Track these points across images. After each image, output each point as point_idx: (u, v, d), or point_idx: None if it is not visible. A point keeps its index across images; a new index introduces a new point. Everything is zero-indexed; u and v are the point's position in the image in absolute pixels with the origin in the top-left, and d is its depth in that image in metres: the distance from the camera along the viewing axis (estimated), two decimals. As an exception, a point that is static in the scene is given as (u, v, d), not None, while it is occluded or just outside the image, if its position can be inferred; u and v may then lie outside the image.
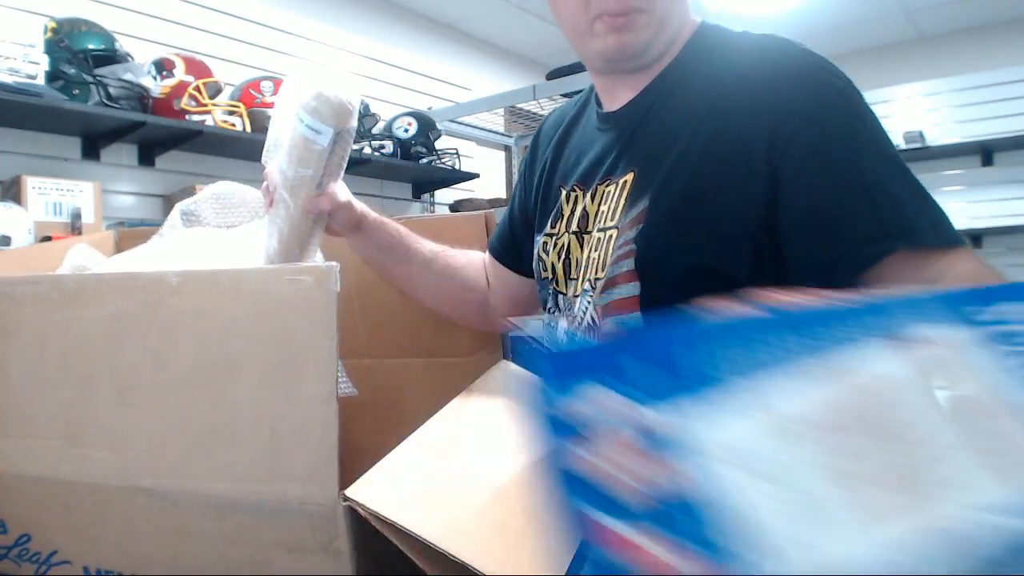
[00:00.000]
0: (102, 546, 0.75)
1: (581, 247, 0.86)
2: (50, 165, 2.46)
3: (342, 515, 0.64)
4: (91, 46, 2.33)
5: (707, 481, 0.33)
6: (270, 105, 2.76)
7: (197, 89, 2.59)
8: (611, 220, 0.81)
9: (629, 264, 0.77)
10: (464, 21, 4.36)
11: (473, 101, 3.63)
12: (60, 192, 2.32)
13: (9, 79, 2.14)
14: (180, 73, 2.58)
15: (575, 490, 0.35)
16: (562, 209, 0.90)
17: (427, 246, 1.06)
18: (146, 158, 2.73)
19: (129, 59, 2.46)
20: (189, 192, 2.30)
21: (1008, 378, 0.40)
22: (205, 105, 2.60)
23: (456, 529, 0.67)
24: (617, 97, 0.86)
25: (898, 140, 4.04)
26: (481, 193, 4.14)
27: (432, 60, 4.07)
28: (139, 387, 0.70)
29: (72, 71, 2.29)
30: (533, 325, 0.99)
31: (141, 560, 0.74)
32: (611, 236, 0.80)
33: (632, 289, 0.77)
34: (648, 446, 0.34)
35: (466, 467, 0.79)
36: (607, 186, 0.84)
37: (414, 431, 0.80)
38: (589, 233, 0.85)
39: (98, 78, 2.32)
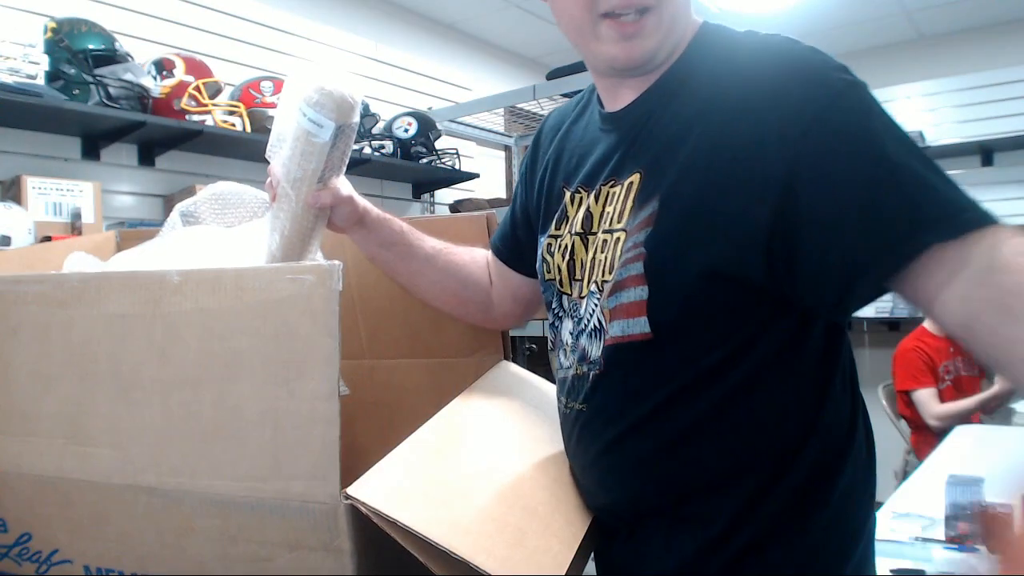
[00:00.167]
0: (103, 545, 0.75)
1: (586, 248, 0.85)
2: (50, 165, 2.46)
3: (343, 513, 0.64)
4: (91, 46, 2.33)
5: None
6: (270, 105, 2.75)
7: (197, 89, 2.59)
8: (618, 222, 0.80)
9: (638, 268, 0.76)
10: (464, 21, 4.36)
11: (473, 101, 3.63)
12: (60, 192, 2.31)
13: (9, 79, 2.14)
14: (180, 73, 2.57)
15: None
16: (566, 210, 0.90)
17: (430, 243, 1.06)
18: (146, 158, 2.73)
19: (129, 59, 2.45)
20: (189, 192, 2.30)
21: None
22: (205, 105, 2.60)
23: (457, 527, 0.67)
24: (620, 97, 0.85)
25: (898, 140, 4.00)
26: (481, 193, 4.14)
27: (432, 60, 4.07)
28: (141, 385, 0.70)
29: (72, 71, 2.29)
30: None
31: (143, 559, 0.74)
32: (619, 239, 0.79)
33: (640, 293, 0.76)
34: None
35: (466, 466, 0.80)
36: (612, 187, 0.83)
37: (414, 431, 0.80)
38: (594, 234, 0.84)
39: (98, 78, 2.32)
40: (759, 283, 0.73)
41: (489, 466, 0.82)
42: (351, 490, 0.64)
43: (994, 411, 2.98)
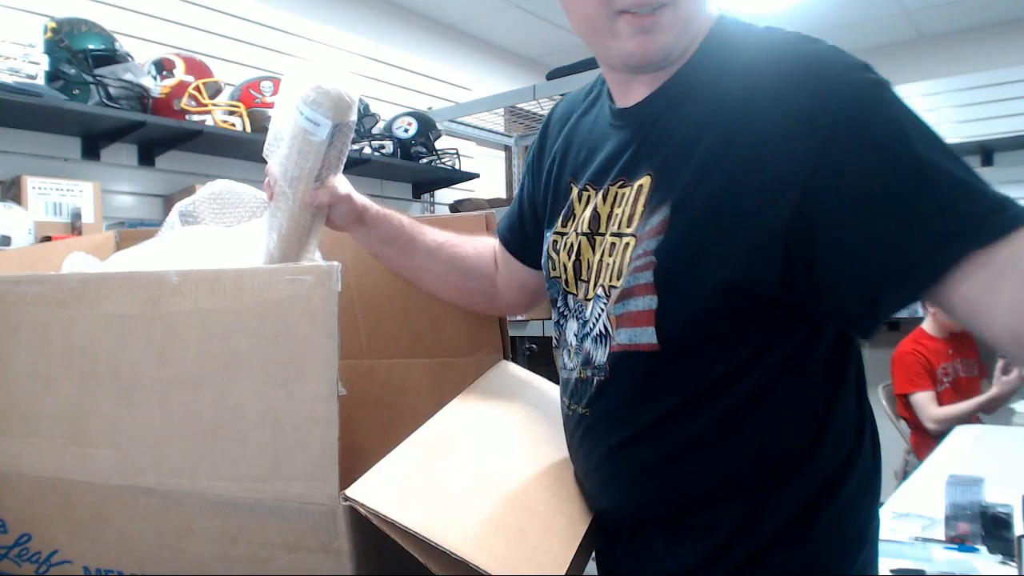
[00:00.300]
0: (103, 545, 0.75)
1: (593, 249, 0.84)
2: (50, 165, 2.46)
3: (342, 515, 0.64)
4: (91, 46, 2.32)
5: None
6: (270, 105, 2.75)
7: (197, 89, 2.59)
8: (628, 226, 0.78)
9: (647, 276, 0.74)
10: (464, 21, 4.36)
11: (473, 101, 3.63)
12: (60, 192, 2.31)
13: (9, 79, 2.14)
14: (180, 73, 2.57)
15: None
16: (573, 208, 0.88)
17: (432, 236, 1.05)
18: (146, 158, 2.73)
19: (129, 59, 2.45)
20: (189, 192, 2.29)
21: None
22: (205, 105, 2.60)
23: (456, 527, 0.67)
24: (631, 92, 0.82)
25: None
26: (481, 193, 4.14)
27: (432, 60, 4.07)
28: (141, 386, 0.70)
29: (72, 71, 2.29)
30: None
31: (142, 559, 0.74)
32: (628, 244, 0.77)
33: (649, 302, 0.74)
34: None
35: (466, 466, 0.80)
36: (621, 188, 0.81)
37: (414, 431, 0.80)
38: (602, 235, 0.82)
39: (98, 78, 2.32)
40: (774, 295, 0.70)
41: (489, 466, 0.82)
42: (350, 491, 0.64)
43: (994, 411, 2.98)
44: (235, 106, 2.72)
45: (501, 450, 0.88)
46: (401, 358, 1.18)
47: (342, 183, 0.97)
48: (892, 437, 3.23)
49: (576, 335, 0.86)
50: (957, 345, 3.15)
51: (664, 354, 0.74)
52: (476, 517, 0.71)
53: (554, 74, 3.09)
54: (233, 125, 2.67)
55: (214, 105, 2.63)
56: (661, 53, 0.75)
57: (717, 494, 0.76)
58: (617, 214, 0.80)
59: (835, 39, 0.72)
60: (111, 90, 2.33)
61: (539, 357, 3.32)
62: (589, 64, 2.71)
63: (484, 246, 1.10)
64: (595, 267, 0.83)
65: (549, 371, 1.14)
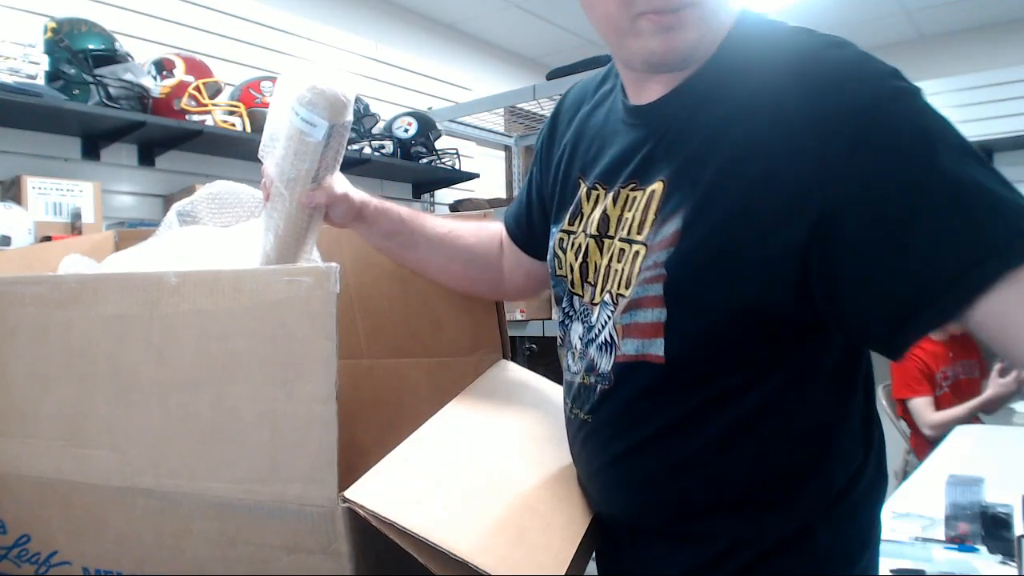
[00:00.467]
0: (102, 546, 0.75)
1: (600, 252, 0.82)
2: (50, 165, 2.46)
3: (341, 516, 0.64)
4: (91, 46, 2.33)
5: None
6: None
7: (197, 89, 2.59)
8: (638, 233, 0.76)
9: (657, 289, 0.72)
10: (464, 21, 4.36)
11: (473, 101, 3.63)
12: (60, 192, 2.31)
13: (9, 79, 2.14)
14: (180, 73, 2.57)
15: None
16: (581, 206, 0.86)
17: (434, 227, 1.04)
18: (146, 158, 2.73)
19: (129, 59, 2.45)
20: (189, 192, 2.29)
21: None
22: (205, 105, 2.60)
23: (456, 526, 0.67)
24: (647, 90, 0.79)
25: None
26: (481, 193, 4.14)
27: (432, 60, 4.07)
28: (139, 387, 0.70)
29: (72, 71, 2.29)
30: None
31: (141, 560, 0.74)
32: (638, 252, 0.75)
33: (658, 315, 0.72)
34: None
35: (466, 466, 0.79)
36: (632, 191, 0.78)
37: (414, 430, 0.80)
38: (611, 238, 0.80)
39: (98, 78, 2.32)
40: (788, 316, 0.69)
41: (488, 466, 0.82)
42: (349, 493, 0.64)
43: (994, 411, 2.99)
44: (235, 106, 2.72)
45: (501, 450, 0.88)
46: (400, 358, 1.18)
47: (339, 182, 0.96)
48: (892, 437, 3.22)
49: (581, 339, 0.84)
50: (957, 347, 3.15)
51: (670, 367, 0.73)
52: (476, 517, 0.70)
53: (554, 74, 3.09)
54: (233, 125, 2.67)
55: (214, 105, 2.63)
56: (685, 51, 0.72)
57: (720, 506, 0.76)
58: (627, 218, 0.78)
59: (835, 39, 0.71)
60: (111, 90, 2.33)
61: (539, 357, 3.32)
62: (589, 64, 2.71)
63: (488, 234, 1.09)
64: (602, 271, 0.81)
65: (549, 371, 1.14)
